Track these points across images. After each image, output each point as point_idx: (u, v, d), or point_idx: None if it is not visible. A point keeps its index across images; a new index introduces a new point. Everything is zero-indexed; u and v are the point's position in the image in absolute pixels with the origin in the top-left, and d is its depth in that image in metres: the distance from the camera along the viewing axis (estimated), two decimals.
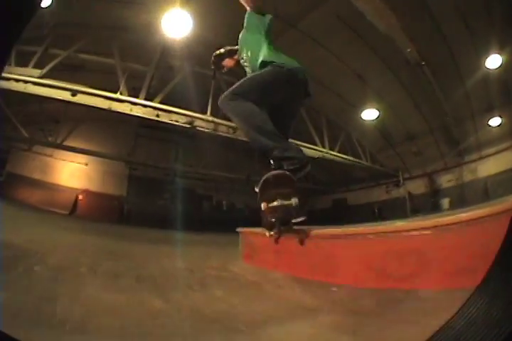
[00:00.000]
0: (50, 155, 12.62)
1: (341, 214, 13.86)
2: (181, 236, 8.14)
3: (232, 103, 2.36)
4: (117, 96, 7.51)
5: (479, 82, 10.22)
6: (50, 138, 11.72)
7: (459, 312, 0.80)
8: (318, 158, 10.27)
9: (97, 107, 7.65)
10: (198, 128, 8.02)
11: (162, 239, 6.56)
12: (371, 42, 9.40)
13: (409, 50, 8.43)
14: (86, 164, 12.83)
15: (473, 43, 9.17)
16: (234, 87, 2.43)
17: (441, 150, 13.17)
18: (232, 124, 8.34)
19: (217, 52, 3.09)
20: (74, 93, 7.95)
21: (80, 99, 7.83)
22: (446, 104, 10.97)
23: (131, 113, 7.60)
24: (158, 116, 7.73)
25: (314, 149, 10.31)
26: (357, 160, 11.71)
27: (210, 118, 8.14)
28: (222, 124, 8.33)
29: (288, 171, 2.13)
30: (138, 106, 7.71)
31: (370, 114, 10.88)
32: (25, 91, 8.21)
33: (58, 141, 11.43)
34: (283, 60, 2.55)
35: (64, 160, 12.70)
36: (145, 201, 13.08)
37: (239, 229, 3.73)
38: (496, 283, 0.81)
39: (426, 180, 13.58)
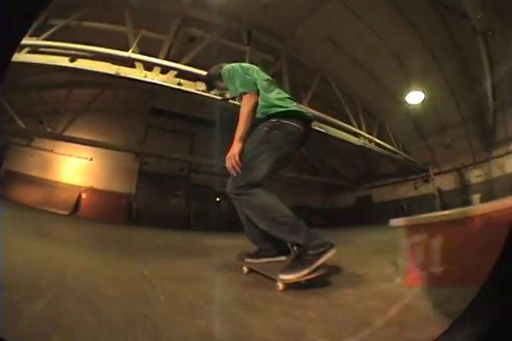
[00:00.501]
0: (51, 150, 10.27)
1: (366, 212, 11.67)
2: (206, 241, 5.83)
3: (244, 198, 1.99)
4: (129, 54, 5.23)
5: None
6: (49, 130, 9.36)
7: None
8: (359, 145, 8.14)
9: (102, 73, 5.37)
10: (230, 101, 5.74)
11: (185, 249, 4.12)
12: (414, 19, 7.51)
13: (479, 16, 6.58)
14: (90, 159, 10.44)
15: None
16: (237, 175, 2.00)
17: (472, 144, 11.29)
18: None
19: (210, 72, 2.54)
20: (72, 58, 5.70)
21: (80, 64, 5.57)
22: (480, 90, 9.08)
23: (146, 79, 5.32)
24: (180, 84, 5.46)
25: (357, 134, 8.19)
26: (396, 150, 9.59)
27: None
28: None
29: (311, 255, 1.76)
30: (154, 72, 5.44)
31: (413, 98, 8.87)
32: (16, 60, 5.97)
33: (58, 132, 9.09)
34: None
35: (66, 155, 10.34)
36: (156, 199, 10.62)
37: (396, 222, 1.82)
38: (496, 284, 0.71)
39: (455, 175, 11.54)
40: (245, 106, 2.05)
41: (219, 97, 5.71)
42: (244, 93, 2.07)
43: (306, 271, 1.69)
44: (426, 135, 10.90)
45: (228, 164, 2.03)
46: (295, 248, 1.95)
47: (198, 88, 5.52)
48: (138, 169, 10.74)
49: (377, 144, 8.94)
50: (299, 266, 1.74)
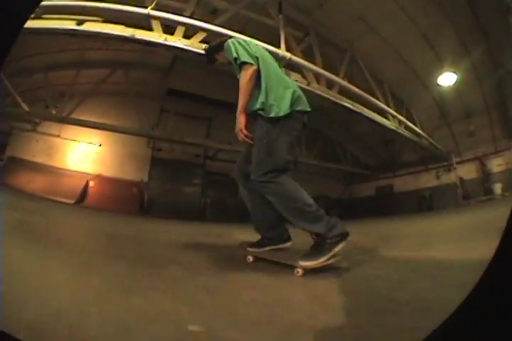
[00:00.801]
0: (57, 135, 9.25)
1: (387, 203, 10.78)
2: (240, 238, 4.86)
3: (269, 185, 1.95)
4: (148, 11, 4.19)
5: None
6: (55, 113, 8.36)
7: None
8: (393, 130, 7.27)
9: (116, 35, 4.34)
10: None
11: (227, 255, 2.78)
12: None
13: None
14: (99, 145, 9.41)
15: None
16: (259, 162, 1.98)
17: (494, 132, 10.45)
18: (313, 67, 5.31)
19: (211, 44, 2.42)
20: (80, 21, 4.68)
21: (90, 26, 4.55)
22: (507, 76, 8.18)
23: (166, 42, 4.30)
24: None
25: (388, 115, 7.31)
26: (423, 134, 8.71)
27: (288, 56, 4.91)
28: (301, 65, 5.13)
29: (329, 244, 1.85)
30: (176, 36, 4.42)
31: (442, 80, 8.24)
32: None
33: (65, 114, 8.10)
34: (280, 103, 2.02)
35: (73, 140, 9.30)
36: (170, 188, 9.60)
37: None
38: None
39: (477, 164, 10.71)
40: (244, 77, 1.99)
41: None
42: (244, 63, 2.00)
43: (324, 258, 1.81)
44: (451, 121, 10.03)
45: (240, 139, 2.08)
46: (313, 236, 1.95)
47: None
48: (151, 156, 9.67)
49: (406, 127, 8.12)
50: (316, 253, 1.84)
